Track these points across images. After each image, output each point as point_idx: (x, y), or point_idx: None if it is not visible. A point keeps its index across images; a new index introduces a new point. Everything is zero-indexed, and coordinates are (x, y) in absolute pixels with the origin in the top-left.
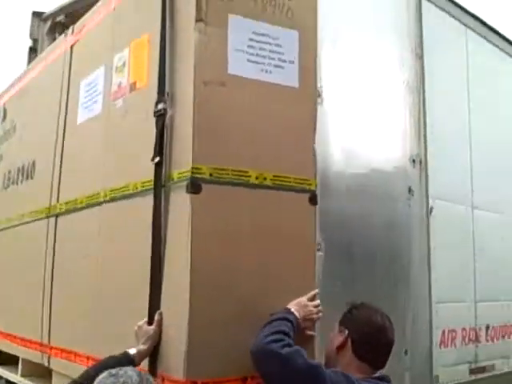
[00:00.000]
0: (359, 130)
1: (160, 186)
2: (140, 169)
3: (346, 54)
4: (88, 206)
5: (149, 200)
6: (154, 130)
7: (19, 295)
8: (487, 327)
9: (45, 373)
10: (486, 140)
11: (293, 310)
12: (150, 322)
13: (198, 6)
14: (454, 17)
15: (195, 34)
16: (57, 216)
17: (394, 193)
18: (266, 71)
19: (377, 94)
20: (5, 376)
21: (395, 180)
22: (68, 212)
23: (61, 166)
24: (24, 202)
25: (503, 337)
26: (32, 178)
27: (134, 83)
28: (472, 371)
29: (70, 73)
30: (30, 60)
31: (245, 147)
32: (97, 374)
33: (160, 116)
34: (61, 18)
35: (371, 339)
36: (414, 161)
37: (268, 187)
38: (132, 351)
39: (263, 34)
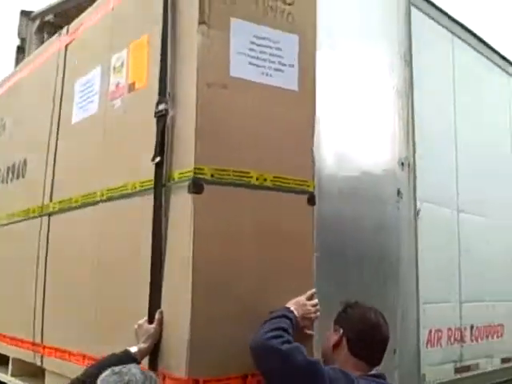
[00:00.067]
0: (350, 134)
1: (160, 186)
2: (138, 168)
3: (337, 60)
4: (83, 206)
5: (147, 199)
6: (154, 130)
7: (9, 295)
8: (472, 327)
9: (36, 372)
10: (471, 144)
11: (292, 308)
12: (150, 321)
13: (201, 9)
14: (441, 24)
15: (198, 37)
16: (50, 215)
17: (383, 195)
18: (267, 74)
19: (367, 98)
20: None
21: (385, 183)
22: (62, 211)
23: (54, 165)
24: (14, 200)
25: (487, 337)
26: (23, 176)
27: (133, 83)
28: (457, 370)
29: (65, 72)
30: (17, 59)
31: (246, 149)
32: (99, 372)
33: (161, 116)
34: (50, 17)
35: (366, 336)
36: (402, 164)
37: (268, 188)
38: (133, 349)
39: (264, 38)
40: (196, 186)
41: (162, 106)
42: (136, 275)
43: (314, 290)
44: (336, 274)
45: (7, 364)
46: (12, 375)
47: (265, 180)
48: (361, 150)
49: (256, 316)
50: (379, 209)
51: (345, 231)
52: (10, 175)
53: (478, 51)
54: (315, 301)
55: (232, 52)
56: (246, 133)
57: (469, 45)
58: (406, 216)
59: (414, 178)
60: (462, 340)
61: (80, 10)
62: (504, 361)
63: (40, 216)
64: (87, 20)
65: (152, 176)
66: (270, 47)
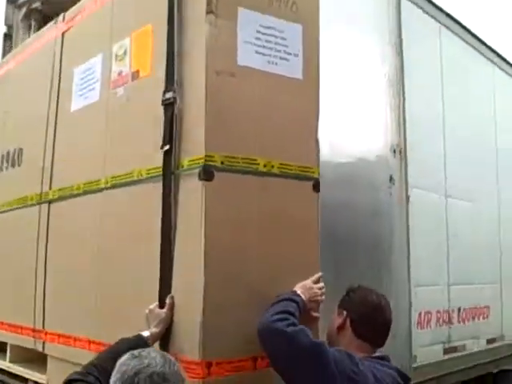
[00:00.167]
0: (343, 122)
1: (169, 174)
2: (144, 156)
3: (330, 50)
4: (86, 193)
5: (154, 186)
6: (160, 118)
7: (7, 282)
8: (459, 309)
9: (35, 358)
10: (459, 132)
11: (299, 292)
12: (161, 306)
13: None
14: (428, 14)
15: (206, 26)
16: (49, 202)
17: (376, 182)
18: (273, 63)
19: (360, 87)
20: None
21: (377, 169)
22: (63, 198)
23: (53, 153)
24: (11, 188)
25: (473, 318)
26: (19, 165)
27: (137, 72)
28: (445, 351)
29: (62, 60)
30: (4, 46)
31: (253, 136)
32: (115, 357)
33: (169, 104)
34: (37, 4)
35: (368, 318)
36: (394, 151)
37: (275, 175)
38: (145, 333)
39: (269, 27)
40: (207, 173)
41: (169, 94)
42: (143, 260)
43: (320, 274)
44: (332, 259)
45: (5, 351)
46: (10, 361)
47: (272, 167)
48: (354, 137)
49: (264, 300)
50: (372, 195)
51: (339, 217)
52: (5, 163)
53: (465, 40)
54: (321, 284)
55: (239, 41)
56: (252, 120)
57: (455, 34)
58: (397, 202)
59: (406, 164)
60: (450, 322)
61: None
62: (489, 341)
63: (39, 204)
64: (86, 8)
65: (158, 163)
66: (276, 36)
